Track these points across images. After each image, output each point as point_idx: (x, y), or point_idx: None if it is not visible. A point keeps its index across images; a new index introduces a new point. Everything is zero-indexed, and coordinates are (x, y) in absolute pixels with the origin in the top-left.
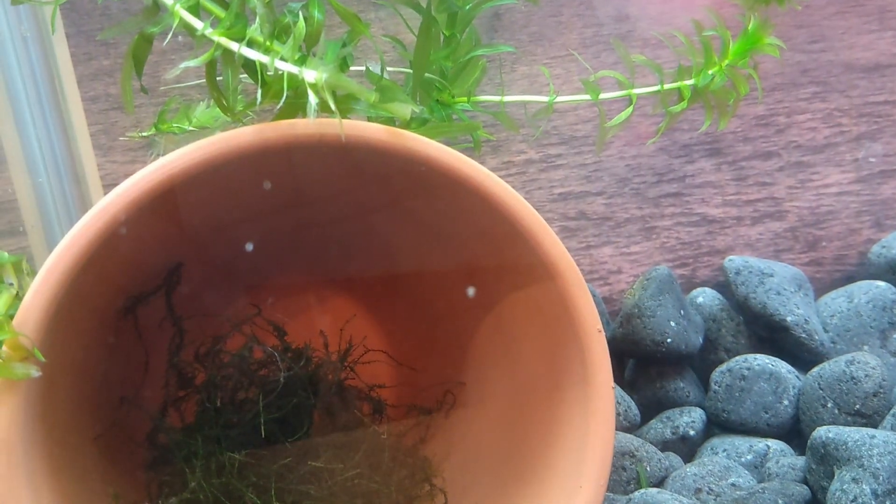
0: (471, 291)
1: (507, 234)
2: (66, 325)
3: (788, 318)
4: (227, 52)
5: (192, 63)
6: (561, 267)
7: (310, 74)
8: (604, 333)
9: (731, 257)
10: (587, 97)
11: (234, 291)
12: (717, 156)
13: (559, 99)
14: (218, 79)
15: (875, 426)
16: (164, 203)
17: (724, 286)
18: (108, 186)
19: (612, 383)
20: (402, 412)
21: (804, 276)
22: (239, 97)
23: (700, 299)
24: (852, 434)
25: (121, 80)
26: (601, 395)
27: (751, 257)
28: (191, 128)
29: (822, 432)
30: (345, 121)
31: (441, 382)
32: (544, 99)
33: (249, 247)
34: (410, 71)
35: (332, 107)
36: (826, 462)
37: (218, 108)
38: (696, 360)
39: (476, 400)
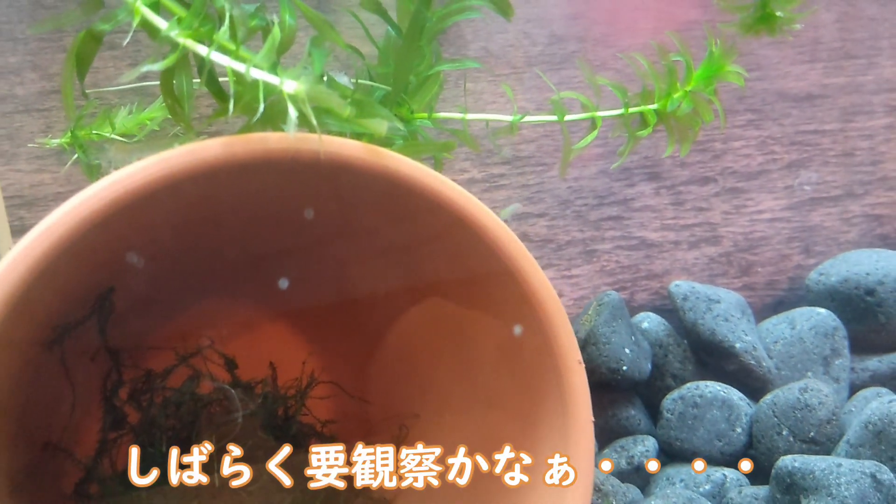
0: (439, 323)
1: (486, 263)
2: None
3: (737, 345)
4: (184, 58)
5: (154, 67)
6: (542, 298)
7: (290, 85)
8: (584, 365)
9: (676, 282)
10: (552, 118)
11: (172, 321)
12: (656, 180)
13: (527, 119)
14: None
15: (828, 453)
16: (114, 226)
17: (662, 310)
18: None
19: (592, 417)
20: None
21: (745, 301)
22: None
23: (645, 324)
24: (819, 463)
25: (61, 82)
26: (581, 428)
27: (696, 283)
28: (113, 135)
29: (788, 461)
30: (322, 136)
31: (395, 415)
32: (508, 118)
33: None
34: (371, 83)
35: (314, 121)
36: (792, 492)
37: (142, 116)
38: (642, 386)
39: (435, 433)
